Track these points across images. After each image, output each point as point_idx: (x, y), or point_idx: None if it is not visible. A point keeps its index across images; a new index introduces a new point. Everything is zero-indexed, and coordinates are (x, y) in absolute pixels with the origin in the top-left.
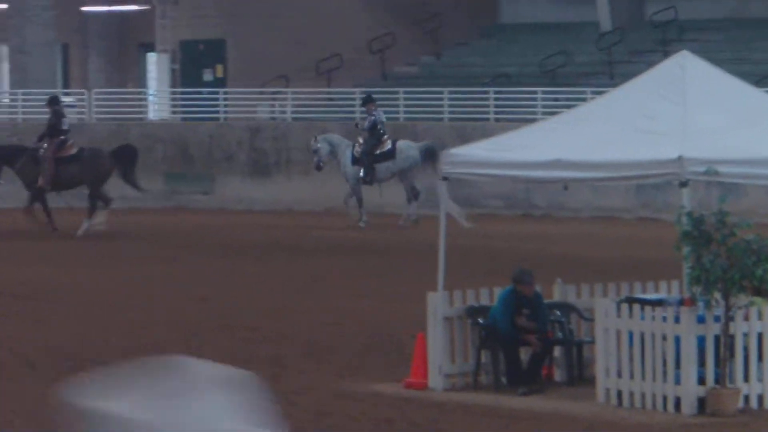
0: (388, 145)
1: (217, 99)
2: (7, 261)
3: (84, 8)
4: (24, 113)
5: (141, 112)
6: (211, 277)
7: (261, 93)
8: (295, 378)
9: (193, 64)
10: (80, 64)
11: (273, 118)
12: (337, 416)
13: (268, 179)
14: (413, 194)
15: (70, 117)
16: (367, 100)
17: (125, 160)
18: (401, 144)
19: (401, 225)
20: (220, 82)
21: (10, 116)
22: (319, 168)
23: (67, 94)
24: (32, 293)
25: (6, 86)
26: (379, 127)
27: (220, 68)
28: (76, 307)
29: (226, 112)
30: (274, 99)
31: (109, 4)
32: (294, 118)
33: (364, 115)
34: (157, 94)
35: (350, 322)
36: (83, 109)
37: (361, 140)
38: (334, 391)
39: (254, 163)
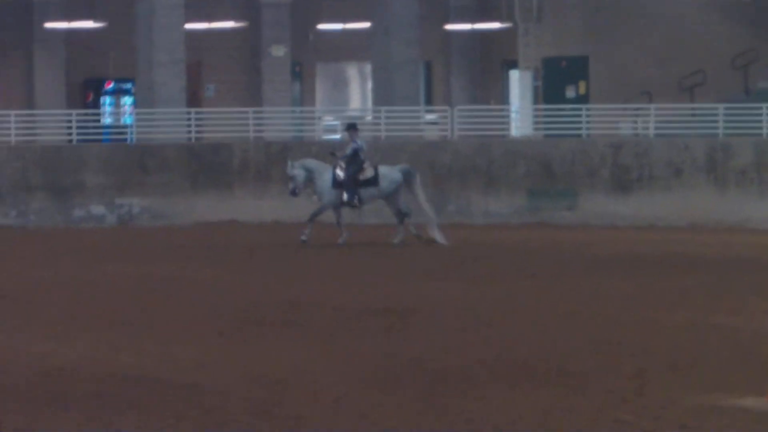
0: (371, 172)
1: (579, 115)
2: (387, 276)
3: (447, 26)
4: (387, 130)
5: (503, 129)
6: (576, 292)
7: (624, 109)
8: (658, 392)
9: (556, 80)
10: (443, 81)
11: (635, 135)
12: (702, 431)
13: (630, 195)
14: (404, 215)
15: (432, 135)
16: (350, 127)
17: None
18: (383, 169)
19: (395, 244)
20: (582, 99)
21: (374, 133)
22: (294, 194)
23: (430, 111)
24: (401, 309)
25: (369, 104)
26: (360, 154)
27: (583, 85)
28: (443, 322)
29: (588, 128)
30: (636, 115)
31: (473, 22)
32: (656, 135)
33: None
34: (519, 111)
35: (714, 336)
36: (446, 126)
37: (343, 164)
38: (697, 405)
39: (616, 179)
